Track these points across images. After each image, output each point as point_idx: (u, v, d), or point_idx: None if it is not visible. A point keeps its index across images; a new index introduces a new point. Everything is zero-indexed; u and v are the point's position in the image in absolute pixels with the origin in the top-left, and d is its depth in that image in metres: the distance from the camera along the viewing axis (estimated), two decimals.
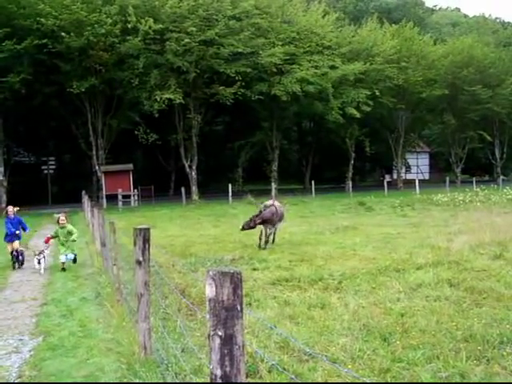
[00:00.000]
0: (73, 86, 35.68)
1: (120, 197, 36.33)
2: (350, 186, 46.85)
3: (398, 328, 6.84)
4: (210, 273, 2.40)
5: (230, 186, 38.09)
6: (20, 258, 13.42)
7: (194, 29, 36.72)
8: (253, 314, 7.16)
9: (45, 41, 34.18)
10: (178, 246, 15.78)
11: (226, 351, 2.39)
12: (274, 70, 40.49)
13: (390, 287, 9.25)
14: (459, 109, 53.48)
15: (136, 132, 39.72)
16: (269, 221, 14.95)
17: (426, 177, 69.80)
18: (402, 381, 5.26)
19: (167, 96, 36.46)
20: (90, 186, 41.69)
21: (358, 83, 44.81)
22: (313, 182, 42.61)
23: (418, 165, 71.07)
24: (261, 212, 14.98)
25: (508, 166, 66.61)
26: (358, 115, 43.61)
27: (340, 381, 5.15)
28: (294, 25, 44.07)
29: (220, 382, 2.41)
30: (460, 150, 57.03)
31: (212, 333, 2.41)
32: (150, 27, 35.68)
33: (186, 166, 42.52)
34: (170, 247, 15.46)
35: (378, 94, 44.93)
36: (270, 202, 15.92)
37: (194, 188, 41.86)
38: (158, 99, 36.40)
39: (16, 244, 14.06)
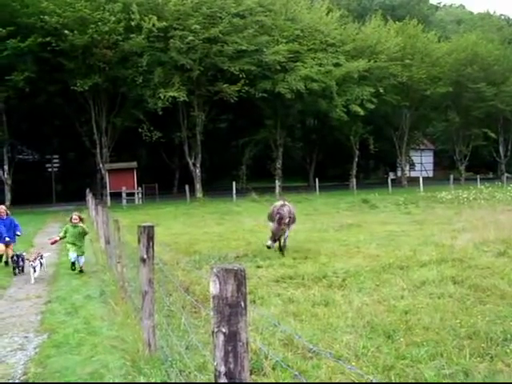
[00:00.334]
0: (76, 84, 35.68)
1: (124, 195, 36.41)
2: (354, 183, 46.77)
3: (401, 325, 6.85)
4: (214, 270, 2.41)
5: (233, 183, 38.09)
6: (21, 263, 12.25)
7: (197, 26, 36.70)
8: (257, 312, 7.18)
9: (48, 39, 34.18)
10: (182, 243, 15.80)
11: (229, 348, 2.40)
12: (278, 67, 40.40)
13: (394, 285, 9.25)
14: (463, 106, 53.36)
15: (140, 130, 39.69)
16: (290, 221, 13.86)
17: (430, 174, 69.69)
18: (406, 378, 5.26)
19: (171, 94, 36.47)
20: (94, 184, 41.81)
21: (362, 81, 44.71)
22: (317, 180, 42.56)
23: (422, 162, 70.92)
24: (280, 214, 13.44)
25: None
26: (361, 113, 43.54)
27: (344, 378, 5.15)
28: (298, 22, 44.01)
29: (224, 378, 2.42)
30: (464, 148, 56.89)
31: (216, 329, 2.42)
32: (153, 25, 35.69)
33: (190, 163, 42.54)
34: (175, 245, 15.48)
35: (381, 91, 44.83)
36: (281, 202, 14.45)
37: (198, 186, 41.88)
38: (162, 97, 36.41)
39: (11, 249, 13.21)
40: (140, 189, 39.90)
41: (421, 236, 15.71)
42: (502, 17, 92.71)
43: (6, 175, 39.00)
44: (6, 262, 13.16)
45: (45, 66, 36.04)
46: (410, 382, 4.23)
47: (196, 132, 41.77)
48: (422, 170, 67.03)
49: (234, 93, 38.62)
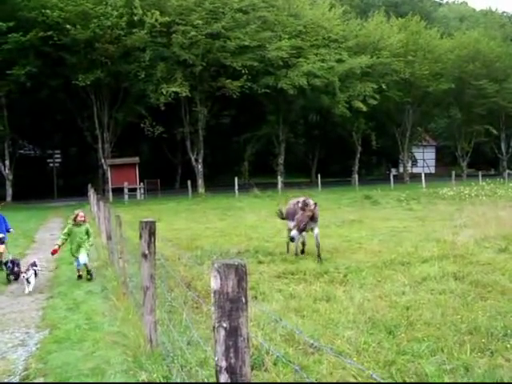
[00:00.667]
0: (78, 78, 35.63)
1: (126, 190, 36.41)
2: (357, 179, 46.78)
3: (403, 321, 6.86)
4: (215, 265, 2.41)
5: (236, 179, 38.09)
6: (16, 269, 10.96)
7: (200, 22, 36.66)
8: (258, 307, 7.18)
9: (50, 33, 34.11)
10: (184, 239, 15.80)
11: (230, 343, 2.40)
12: (281, 63, 40.37)
13: (396, 280, 9.25)
14: (465, 103, 53.34)
15: (142, 125, 39.70)
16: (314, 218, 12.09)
17: (432, 170, 69.65)
18: (407, 374, 5.27)
19: (173, 89, 36.45)
20: (95, 180, 41.78)
21: (364, 77, 44.68)
22: (319, 176, 42.53)
23: (424, 158, 70.89)
24: (305, 201, 11.90)
25: None
26: (364, 109, 43.54)
27: (345, 373, 5.16)
28: (301, 18, 43.91)
29: (225, 373, 2.42)
30: (466, 144, 56.86)
31: (217, 325, 2.42)
32: (156, 20, 35.62)
33: (193, 159, 42.54)
34: (176, 240, 15.49)
35: (384, 87, 44.84)
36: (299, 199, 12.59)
37: (200, 181, 41.91)
38: (165, 92, 36.39)
39: (1, 248, 12.30)
40: (142, 184, 39.92)
41: (422, 232, 15.70)
42: (505, 14, 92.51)
43: (7, 170, 39.02)
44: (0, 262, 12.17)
45: (46, 60, 36.02)
46: (418, 382, 4.22)
47: (198, 127, 41.77)
48: (424, 167, 67.01)
49: (237, 88, 38.58)
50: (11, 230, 13.17)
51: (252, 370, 5.34)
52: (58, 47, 35.19)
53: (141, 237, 5.95)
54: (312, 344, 5.74)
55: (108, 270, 11.25)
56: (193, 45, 37.15)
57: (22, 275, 10.26)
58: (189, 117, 41.74)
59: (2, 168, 39.20)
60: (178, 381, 5.04)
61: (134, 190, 38.37)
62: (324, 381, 5.03)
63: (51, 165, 46.26)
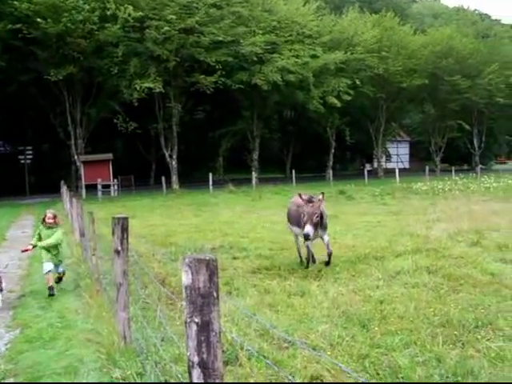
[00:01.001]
0: (50, 73, 35.03)
1: (100, 186, 36.05)
2: (331, 174, 47.03)
3: (376, 315, 6.91)
4: (186, 260, 2.39)
5: (210, 175, 37.99)
6: None
7: (173, 17, 36.38)
8: (233, 303, 7.17)
9: (19, 26, 33.18)
10: (159, 235, 15.73)
11: (202, 338, 2.38)
12: (255, 58, 40.31)
13: (370, 275, 9.33)
14: (439, 98, 54.02)
15: (115, 121, 39.34)
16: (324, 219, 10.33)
17: (406, 166, 70.33)
18: (381, 366, 5.31)
19: (147, 85, 36.15)
20: (68, 176, 41.32)
21: (338, 72, 44.90)
22: (293, 171, 42.68)
23: (399, 154, 71.53)
24: (309, 197, 10.15)
25: (486, 155, 67.52)
26: (338, 104, 43.80)
27: (319, 367, 5.18)
28: (275, 13, 43.93)
29: (197, 368, 2.41)
30: (440, 140, 57.59)
31: (189, 320, 2.40)
32: (129, 14, 35.23)
33: (167, 155, 42.32)
34: (151, 237, 15.40)
35: (358, 83, 45.14)
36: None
37: (175, 177, 41.70)
38: (138, 88, 36.07)
39: None
40: (116, 181, 39.61)
41: (396, 226, 15.85)
42: (476, 11, 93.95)
43: None
44: None
45: (16, 54, 35.29)
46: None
47: (172, 123, 41.53)
48: (398, 162, 67.61)
49: (211, 84, 38.45)
50: None
51: (226, 365, 5.34)
52: (28, 41, 34.39)
53: (113, 233, 5.89)
54: (286, 339, 5.76)
55: (81, 267, 11.13)
56: (166, 40, 36.88)
57: None
58: (163, 112, 41.48)
59: None
60: (152, 377, 5.01)
61: (108, 186, 38.03)
62: (298, 375, 5.05)
63: (23, 161, 45.50)
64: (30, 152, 46.40)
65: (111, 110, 40.19)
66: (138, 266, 8.52)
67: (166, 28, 36.07)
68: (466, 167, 65.02)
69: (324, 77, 44.16)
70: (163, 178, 38.08)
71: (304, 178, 45.14)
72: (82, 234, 11.78)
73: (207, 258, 2.37)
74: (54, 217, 9.93)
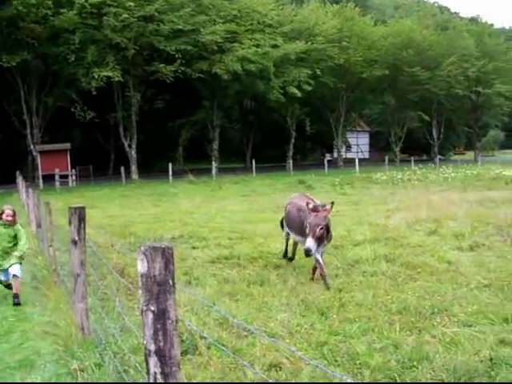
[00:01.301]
0: (2, 59, 33.98)
1: (57, 177, 35.42)
2: (291, 164, 47.23)
3: (335, 303, 6.99)
4: (142, 248, 2.37)
5: (170, 165, 37.72)
6: None
7: (132, 4, 35.85)
8: (192, 292, 7.15)
9: None
10: (118, 226, 15.54)
11: (159, 326, 2.37)
12: (215, 48, 40.16)
13: (329, 263, 9.40)
14: (399, 89, 54.72)
15: (73, 110, 38.60)
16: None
17: (366, 156, 71.16)
18: (339, 353, 5.37)
19: (105, 73, 35.60)
20: (25, 167, 40.41)
21: (299, 62, 45.04)
22: (253, 161, 42.72)
23: (359, 144, 72.28)
24: (312, 202, 8.66)
25: (445, 145, 68.77)
26: (299, 94, 43.96)
27: (278, 355, 5.21)
28: (235, 2, 43.76)
29: (154, 356, 2.40)
30: (399, 130, 58.36)
31: (145, 308, 2.38)
32: (86, 0, 34.51)
33: (126, 144, 41.84)
34: (110, 227, 15.20)
35: (319, 73, 45.37)
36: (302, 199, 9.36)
37: (134, 167, 41.30)
38: (96, 76, 35.50)
39: None
40: (74, 171, 38.97)
41: (356, 216, 16.02)
42: (436, 4, 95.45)
43: None
44: None
45: None
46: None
47: (131, 112, 41.06)
48: (358, 152, 68.31)
49: (171, 73, 38.12)
50: None
51: (186, 354, 5.32)
52: None
53: (70, 223, 5.80)
54: (245, 327, 5.77)
55: (38, 258, 10.93)
56: (125, 28, 36.34)
57: None
58: (122, 102, 40.95)
59: None
60: (111, 367, 4.97)
61: (66, 176, 37.40)
62: (257, 363, 5.07)
63: None
64: None
65: (69, 99, 39.42)
66: (97, 257, 8.40)
67: (125, 15, 35.52)
68: (425, 158, 66.11)
69: (285, 67, 44.25)
70: (122, 168, 37.67)
71: (264, 167, 45.24)
72: (39, 225, 11.56)
73: (163, 246, 2.36)
74: (14, 214, 8.43)
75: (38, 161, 38.16)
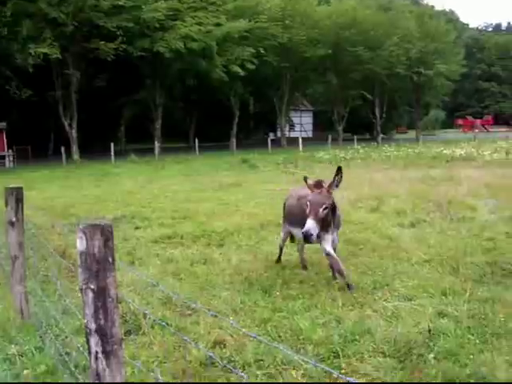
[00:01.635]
0: None
1: None
2: (235, 144, 47.22)
3: (278, 280, 7.04)
4: (81, 226, 2.35)
5: (112, 144, 37.05)
6: None
7: None
8: (135, 272, 7.08)
9: None
10: (59, 207, 15.19)
11: (99, 304, 2.35)
12: (157, 25, 39.47)
13: (272, 242, 9.47)
14: (342, 69, 55.26)
15: (7, 87, 37.21)
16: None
17: (310, 135, 71.84)
18: (283, 329, 5.44)
19: (42, 50, 34.38)
20: None
21: (242, 41, 44.86)
22: (197, 140, 42.49)
23: (302, 123, 72.82)
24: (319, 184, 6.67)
25: (387, 124, 70.10)
26: (242, 73, 43.80)
27: (222, 332, 5.25)
28: None
29: (95, 335, 2.38)
30: (342, 109, 59.06)
31: (84, 286, 2.36)
32: None
33: (66, 124, 40.79)
34: (50, 209, 14.85)
35: (262, 52, 45.30)
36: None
37: (75, 147, 40.39)
38: (33, 53, 34.26)
39: None
40: (11, 151, 37.78)
41: None
42: None
43: None
44: None
45: None
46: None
47: (71, 91, 39.99)
48: (301, 131, 68.82)
49: (111, 51, 37.25)
50: None
51: (130, 334, 5.29)
52: None
53: (7, 204, 5.64)
54: (189, 306, 5.78)
55: None
56: (62, 2, 35.10)
57: None
58: (61, 79, 39.82)
59: None
60: (52, 350, 4.89)
61: (3, 157, 36.28)
62: (201, 341, 5.09)
63: None
64: None
65: (3, 76, 37.94)
66: (36, 239, 8.20)
67: None
68: (367, 136, 67.22)
69: (228, 45, 43.98)
70: (63, 149, 36.73)
71: (208, 147, 45.06)
72: None
73: (102, 223, 2.34)
74: None
75: None
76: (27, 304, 5.85)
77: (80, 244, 2.34)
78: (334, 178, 6.44)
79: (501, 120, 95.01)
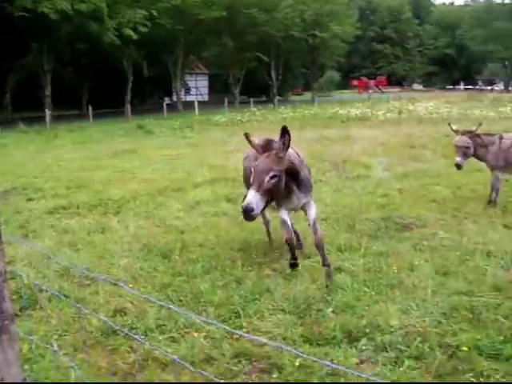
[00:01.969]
0: None
1: None
2: (129, 109, 46.00)
3: (177, 245, 7.07)
4: None
5: None
6: None
7: None
8: (30, 245, 6.85)
9: None
10: None
11: None
12: None
13: (170, 206, 9.47)
14: (237, 31, 54.83)
15: None
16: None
17: (206, 98, 71.27)
18: (183, 293, 5.49)
19: None
20: None
21: (134, 3, 43.50)
22: (90, 107, 41.09)
23: (198, 87, 72.10)
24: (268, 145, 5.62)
25: (283, 86, 70.75)
26: (134, 37, 42.51)
27: (122, 300, 5.23)
28: None
29: None
30: (238, 72, 58.89)
31: None
32: None
33: None
34: None
35: (155, 14, 44.09)
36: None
37: None
38: None
39: None
40: None
41: (195, 158, 16.14)
42: None
43: None
44: None
45: None
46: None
47: None
48: (197, 95, 68.18)
49: None
50: None
51: (26, 309, 5.14)
52: None
53: None
54: (87, 276, 5.69)
55: None
56: None
57: None
58: None
59: None
60: None
61: None
62: (101, 310, 5.05)
63: None
64: None
65: None
66: None
67: None
68: (264, 99, 67.59)
69: (119, 7, 42.47)
70: None
71: (102, 114, 43.73)
72: None
73: None
74: None
75: None
76: None
77: None
78: (281, 139, 5.44)
79: (394, 81, 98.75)
